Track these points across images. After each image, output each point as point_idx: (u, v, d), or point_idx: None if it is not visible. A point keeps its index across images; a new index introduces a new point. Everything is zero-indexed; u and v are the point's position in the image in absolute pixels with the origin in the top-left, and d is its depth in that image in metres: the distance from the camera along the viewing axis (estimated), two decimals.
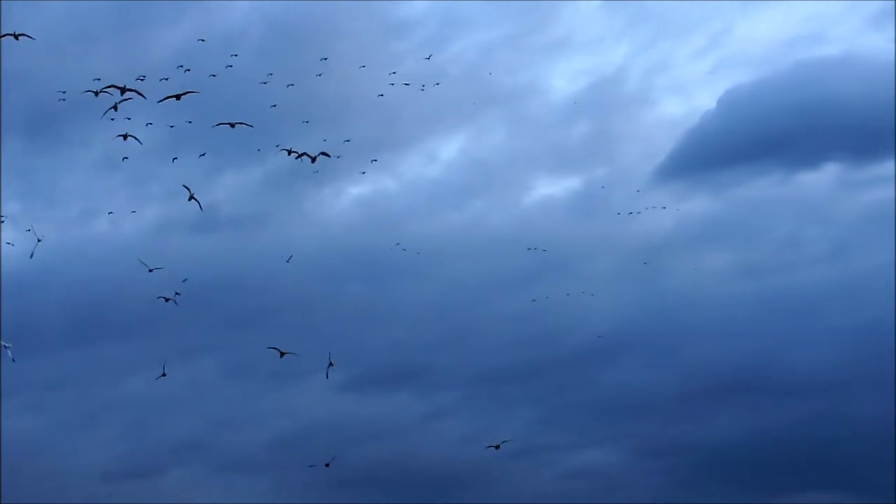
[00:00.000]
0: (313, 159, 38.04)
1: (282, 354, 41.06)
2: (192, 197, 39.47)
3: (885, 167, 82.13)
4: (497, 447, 40.26)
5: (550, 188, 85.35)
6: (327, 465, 44.14)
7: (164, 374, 43.67)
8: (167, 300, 44.74)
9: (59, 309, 77.52)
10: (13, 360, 35.03)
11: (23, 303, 75.08)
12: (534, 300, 69.38)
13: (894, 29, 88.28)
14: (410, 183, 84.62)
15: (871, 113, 79.69)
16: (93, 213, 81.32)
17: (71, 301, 77.04)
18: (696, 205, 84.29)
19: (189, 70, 46.95)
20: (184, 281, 45.71)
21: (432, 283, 78.69)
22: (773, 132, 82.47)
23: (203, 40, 47.00)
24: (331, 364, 41.11)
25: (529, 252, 70.54)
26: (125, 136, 39.27)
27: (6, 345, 35.06)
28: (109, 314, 75.59)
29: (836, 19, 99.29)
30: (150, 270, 44.75)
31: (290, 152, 38.03)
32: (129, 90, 33.64)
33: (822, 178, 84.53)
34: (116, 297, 73.18)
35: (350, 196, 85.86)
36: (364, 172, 56.77)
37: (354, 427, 69.95)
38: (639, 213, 71.51)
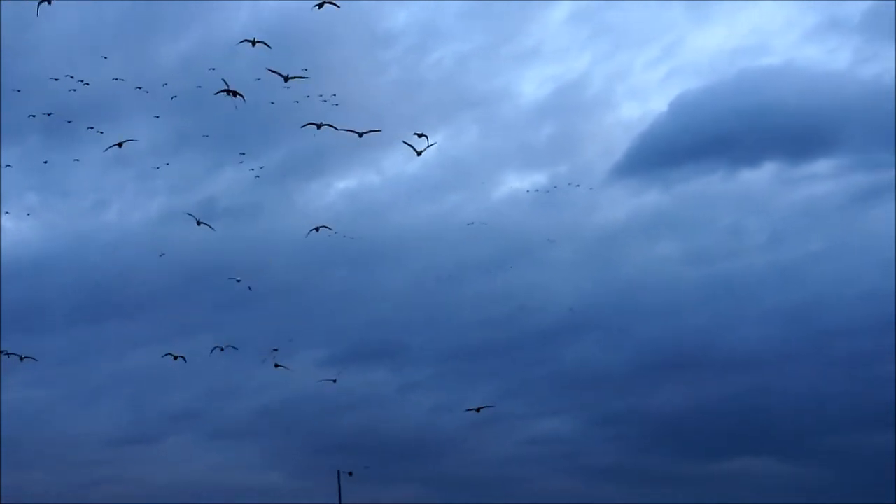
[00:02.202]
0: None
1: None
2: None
3: (818, 166, 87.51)
4: (478, 410, 39.93)
5: (518, 183, 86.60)
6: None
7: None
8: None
9: (69, 291, 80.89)
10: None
11: (36, 285, 79.52)
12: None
13: (829, 42, 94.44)
14: (392, 178, 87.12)
15: (806, 117, 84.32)
16: (103, 204, 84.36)
17: (80, 284, 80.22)
18: (648, 198, 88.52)
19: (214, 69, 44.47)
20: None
21: (410, 270, 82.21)
22: (719, 134, 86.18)
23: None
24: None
25: (497, 240, 73.51)
26: None
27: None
28: (115, 296, 78.93)
29: (776, 33, 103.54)
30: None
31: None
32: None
33: (761, 176, 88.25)
34: (122, 280, 76.83)
35: (337, 189, 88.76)
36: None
37: (336, 398, 69.56)
38: (591, 188, 75.60)
